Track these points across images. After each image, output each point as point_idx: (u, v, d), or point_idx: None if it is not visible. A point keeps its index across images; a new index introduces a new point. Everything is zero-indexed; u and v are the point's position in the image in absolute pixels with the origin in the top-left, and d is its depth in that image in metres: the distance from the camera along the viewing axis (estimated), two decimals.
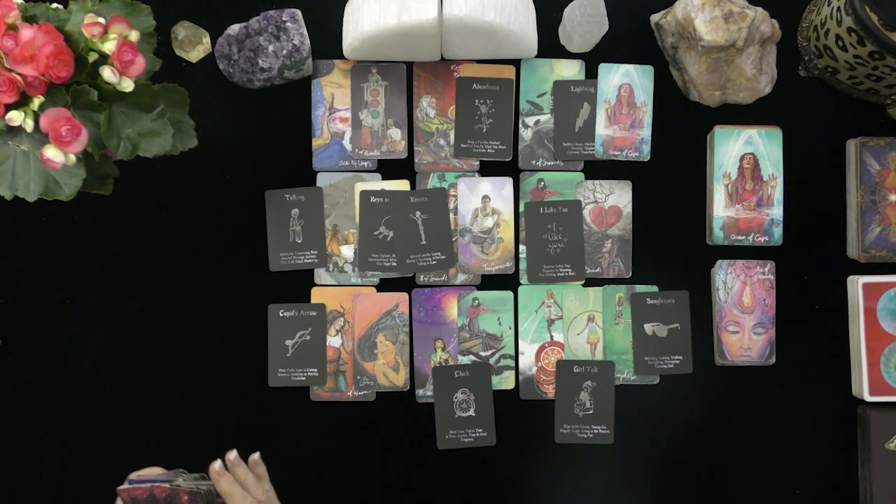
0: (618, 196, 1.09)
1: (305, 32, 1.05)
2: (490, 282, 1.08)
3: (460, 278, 1.08)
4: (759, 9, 1.02)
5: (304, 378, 1.07)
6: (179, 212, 1.08)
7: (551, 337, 1.08)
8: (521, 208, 1.08)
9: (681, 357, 1.07)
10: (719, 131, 1.06)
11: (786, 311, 1.07)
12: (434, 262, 1.08)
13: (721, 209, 1.06)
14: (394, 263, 1.08)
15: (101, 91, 0.84)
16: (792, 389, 1.07)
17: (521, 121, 1.09)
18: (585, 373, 1.07)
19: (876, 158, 1.06)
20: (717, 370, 1.07)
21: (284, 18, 1.04)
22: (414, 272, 1.08)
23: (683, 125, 1.09)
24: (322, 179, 1.08)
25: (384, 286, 1.08)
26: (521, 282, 1.08)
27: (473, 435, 1.07)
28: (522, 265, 1.08)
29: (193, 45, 1.07)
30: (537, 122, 1.09)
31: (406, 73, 1.09)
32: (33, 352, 1.07)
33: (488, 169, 1.09)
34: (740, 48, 1.02)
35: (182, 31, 1.07)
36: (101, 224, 1.07)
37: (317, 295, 1.08)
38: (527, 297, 1.08)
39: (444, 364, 1.07)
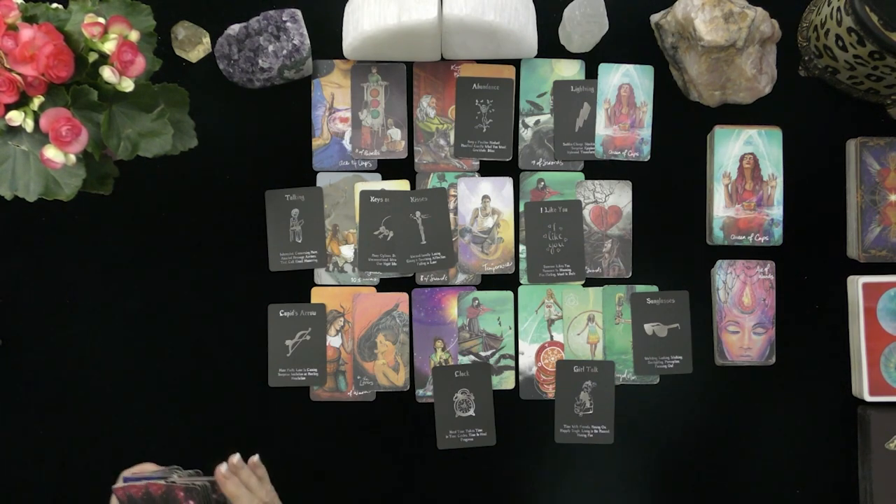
0: (618, 196, 1.09)
1: (305, 32, 1.05)
2: (490, 282, 1.08)
3: (460, 278, 1.08)
4: (759, 9, 1.02)
5: (304, 378, 1.07)
6: (179, 212, 1.08)
7: (551, 337, 1.08)
8: (521, 208, 1.08)
9: (681, 357, 1.07)
10: (719, 131, 1.06)
11: (786, 311, 1.07)
12: (434, 262, 1.08)
13: (721, 209, 1.06)
14: (394, 263, 1.08)
15: (101, 91, 0.84)
16: (792, 389, 1.07)
17: (521, 121, 1.09)
18: (585, 373, 1.07)
19: (876, 158, 1.06)
20: (717, 370, 1.07)
21: (284, 18, 1.04)
22: (414, 272, 1.08)
23: (683, 125, 1.09)
24: (322, 179, 1.08)
25: (384, 286, 1.08)
26: (521, 282, 1.08)
27: (473, 435, 1.07)
28: (522, 265, 1.08)
29: (193, 45, 1.07)
30: (537, 122, 1.09)
31: (406, 73, 1.09)
32: (33, 352, 1.07)
33: (488, 169, 1.09)
34: (740, 48, 1.02)
35: (182, 31, 1.07)
36: (101, 224, 1.07)
37: (317, 295, 1.08)
38: (527, 297, 1.08)
39: (444, 364, 1.07)
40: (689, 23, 1.01)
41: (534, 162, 1.09)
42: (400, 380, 1.08)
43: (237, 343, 1.08)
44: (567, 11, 1.06)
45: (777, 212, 1.06)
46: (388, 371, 1.07)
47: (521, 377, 1.08)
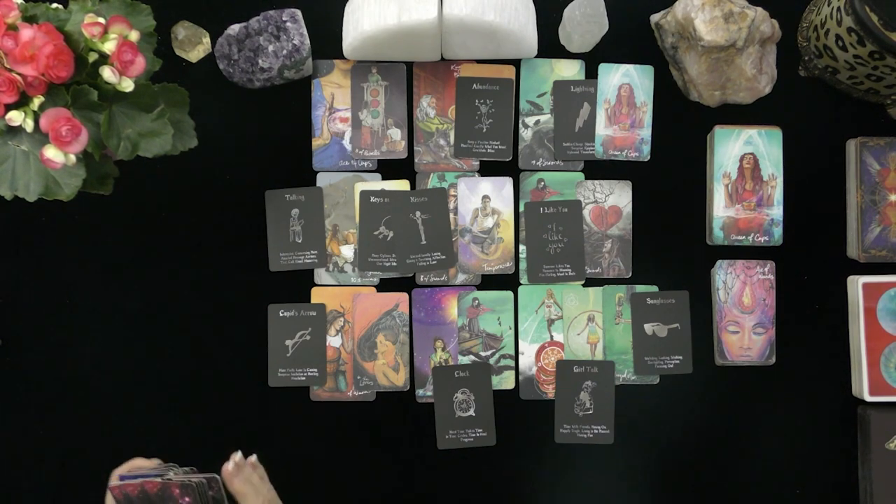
0: (618, 196, 1.09)
1: (305, 32, 1.05)
2: (490, 282, 1.08)
3: (460, 278, 1.08)
4: (759, 9, 1.02)
5: (304, 378, 1.07)
6: (179, 212, 1.08)
7: (551, 337, 1.08)
8: (521, 208, 1.08)
9: (681, 357, 1.07)
10: (719, 131, 1.06)
11: (786, 311, 1.07)
12: (434, 262, 1.08)
13: (721, 209, 1.06)
14: (394, 263, 1.08)
15: (101, 91, 0.84)
16: (792, 389, 1.07)
17: (521, 121, 1.09)
18: (585, 373, 1.07)
19: (876, 158, 1.06)
20: (717, 370, 1.07)
21: (284, 18, 1.04)
22: (414, 272, 1.08)
23: (683, 125, 1.09)
24: (322, 179, 1.08)
25: (384, 286, 1.08)
26: (521, 282, 1.08)
27: (473, 435, 1.07)
28: (522, 265, 1.08)
29: (193, 45, 1.07)
30: (537, 122, 1.09)
31: (406, 73, 1.09)
32: (33, 352, 1.07)
33: (488, 169, 1.09)
34: (740, 48, 1.02)
35: (182, 31, 1.07)
36: (101, 224, 1.07)
37: (317, 295, 1.08)
38: (527, 297, 1.08)
39: (444, 364, 1.07)
40: (689, 23, 1.01)
41: (534, 162, 1.09)
42: (400, 380, 1.08)
43: (237, 343, 1.08)
44: (567, 11, 1.06)
45: (777, 212, 1.06)
46: (388, 371, 1.07)
47: (521, 377, 1.08)
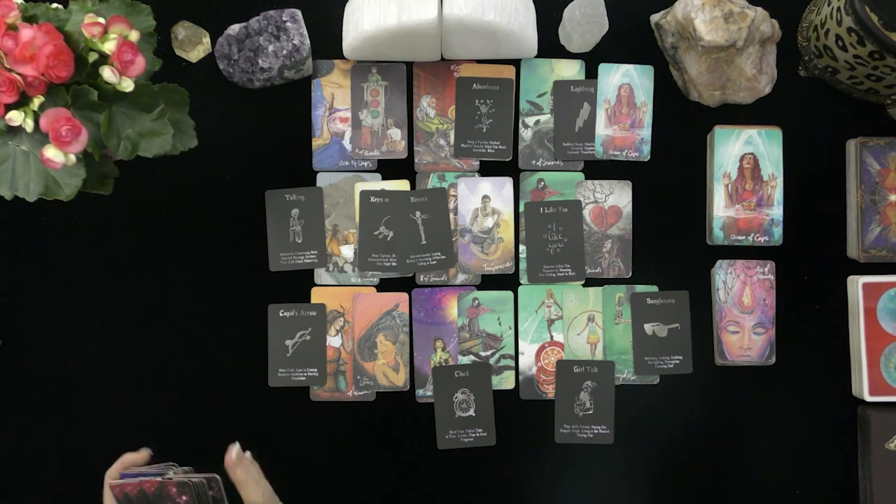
0: (618, 196, 1.09)
1: (305, 32, 1.05)
2: (490, 282, 1.08)
3: (460, 278, 1.08)
4: (759, 9, 1.02)
5: (304, 378, 1.07)
6: (179, 212, 1.08)
7: (551, 337, 1.08)
8: (521, 208, 1.08)
9: (681, 357, 1.07)
10: (719, 131, 1.06)
11: (786, 311, 1.07)
12: (434, 262, 1.08)
13: (721, 209, 1.06)
14: (394, 263, 1.08)
15: (101, 91, 0.84)
16: (792, 389, 1.07)
17: (521, 121, 1.09)
18: (585, 373, 1.07)
19: (876, 158, 1.06)
20: (717, 370, 1.07)
21: (284, 18, 1.04)
22: (414, 272, 1.08)
23: (683, 125, 1.09)
24: (322, 179, 1.08)
25: (384, 286, 1.08)
26: (521, 282, 1.08)
27: (473, 435, 1.07)
28: (522, 265, 1.08)
29: (193, 45, 1.07)
30: (537, 122, 1.09)
31: (406, 73, 1.09)
32: (33, 352, 1.07)
33: (488, 169, 1.09)
34: (740, 48, 1.02)
35: (182, 31, 1.07)
36: (101, 224, 1.07)
37: (317, 295, 1.08)
38: (527, 297, 1.08)
39: (444, 364, 1.07)
40: (689, 23, 1.01)
41: (534, 162, 1.09)
42: (400, 380, 1.08)
43: (237, 343, 1.08)
44: (567, 11, 1.06)
45: (777, 212, 1.06)
46: (388, 371, 1.07)
47: (521, 377, 1.08)
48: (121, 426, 1.07)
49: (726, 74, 1.04)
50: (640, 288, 1.08)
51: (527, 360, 1.08)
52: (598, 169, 1.09)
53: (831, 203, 1.08)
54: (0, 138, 0.85)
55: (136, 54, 0.85)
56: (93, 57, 0.84)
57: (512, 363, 1.08)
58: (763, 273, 1.06)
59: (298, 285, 1.08)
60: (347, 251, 1.08)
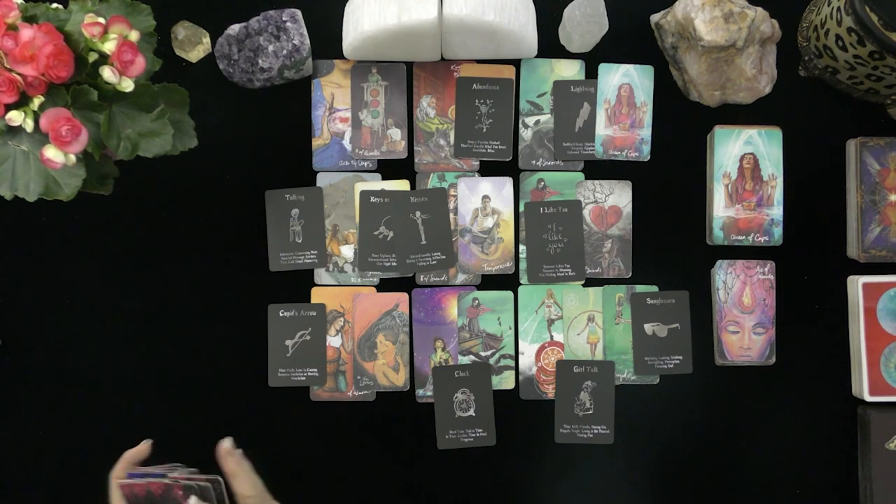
0: (618, 196, 1.09)
1: (305, 32, 1.05)
2: (490, 282, 1.08)
3: (460, 278, 1.08)
4: (759, 9, 1.02)
5: (304, 378, 1.07)
6: (179, 212, 1.08)
7: (551, 337, 1.08)
8: (521, 208, 1.08)
9: (681, 357, 1.07)
10: (719, 131, 1.06)
11: (786, 311, 1.07)
12: (434, 262, 1.08)
13: (721, 209, 1.06)
14: (394, 263, 1.08)
15: (101, 91, 0.84)
16: (792, 389, 1.07)
17: (521, 121, 1.09)
18: (585, 373, 1.07)
19: (876, 158, 1.06)
20: (717, 370, 1.07)
21: (284, 18, 1.04)
22: (414, 272, 1.08)
23: (683, 125, 1.09)
24: (322, 179, 1.08)
25: (384, 286, 1.08)
26: (521, 282, 1.08)
27: (473, 435, 1.07)
28: (522, 265, 1.08)
29: (193, 45, 1.07)
30: (537, 122, 1.09)
31: (406, 73, 1.09)
32: (33, 352, 1.07)
33: (488, 169, 1.09)
34: (740, 48, 1.02)
35: (182, 31, 1.07)
36: (101, 224, 1.07)
37: (317, 295, 1.08)
38: (527, 297, 1.08)
39: (444, 364, 1.07)
40: (689, 23, 1.01)
41: (534, 162, 1.09)
42: (400, 380, 1.08)
43: (237, 343, 1.08)
44: (567, 11, 1.06)
45: (777, 212, 1.06)
46: (388, 371, 1.07)
47: (521, 377, 1.08)
48: (120, 426, 1.07)
49: (726, 74, 1.04)
50: (640, 288, 1.08)
51: (527, 360, 1.08)
52: (598, 169, 1.09)
53: (831, 203, 1.08)
54: (0, 138, 0.85)
55: (136, 54, 0.85)
56: (93, 57, 0.84)
57: (512, 363, 1.08)
58: (763, 273, 1.06)
59: (298, 285, 1.08)
60: (347, 251, 1.08)
